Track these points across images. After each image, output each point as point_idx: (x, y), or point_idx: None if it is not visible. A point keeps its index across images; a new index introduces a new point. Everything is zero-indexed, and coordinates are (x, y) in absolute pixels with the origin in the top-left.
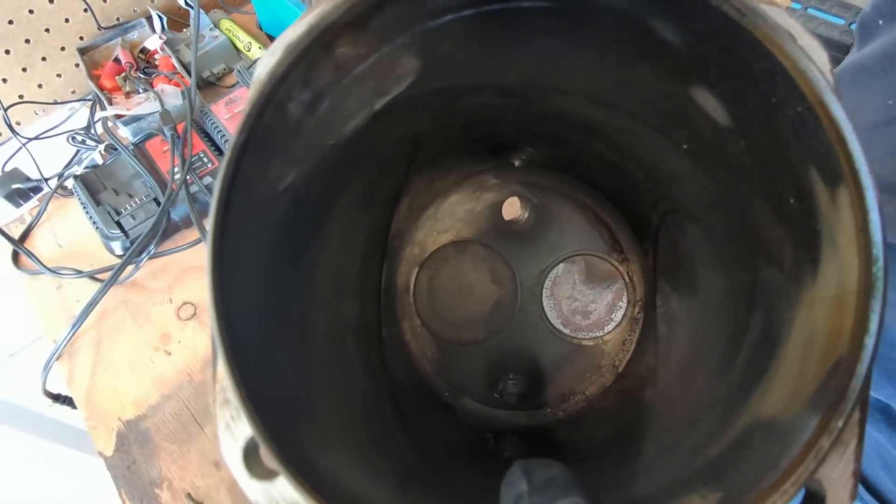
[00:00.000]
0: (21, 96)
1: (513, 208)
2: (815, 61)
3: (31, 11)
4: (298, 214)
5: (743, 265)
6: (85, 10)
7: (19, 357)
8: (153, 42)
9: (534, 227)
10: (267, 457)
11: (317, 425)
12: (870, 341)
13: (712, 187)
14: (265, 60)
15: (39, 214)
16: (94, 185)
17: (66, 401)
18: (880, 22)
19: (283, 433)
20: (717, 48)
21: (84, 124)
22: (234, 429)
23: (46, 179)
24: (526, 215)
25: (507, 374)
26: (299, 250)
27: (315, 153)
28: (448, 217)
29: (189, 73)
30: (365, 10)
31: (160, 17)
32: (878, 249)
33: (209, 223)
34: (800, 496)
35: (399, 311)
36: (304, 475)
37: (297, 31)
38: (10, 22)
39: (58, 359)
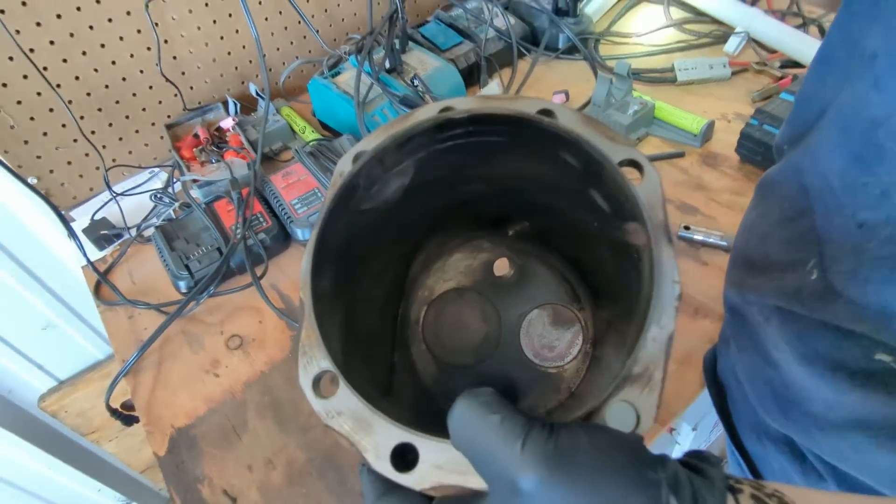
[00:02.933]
0: (114, 160)
1: (501, 266)
2: (645, 197)
3: (134, 95)
4: (352, 251)
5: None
6: (175, 95)
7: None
8: (227, 122)
9: (517, 281)
10: (327, 385)
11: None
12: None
13: (613, 256)
14: (345, 160)
15: (120, 256)
16: (170, 235)
17: (119, 415)
18: (785, 147)
19: (341, 369)
20: (596, 173)
21: (161, 185)
22: (308, 369)
23: (128, 228)
24: (511, 272)
25: None
26: (351, 277)
27: (365, 217)
28: (452, 270)
29: (255, 149)
30: (402, 140)
31: (234, 104)
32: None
33: (306, 255)
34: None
35: (409, 339)
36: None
37: (368, 144)
38: (117, 102)
39: (125, 376)
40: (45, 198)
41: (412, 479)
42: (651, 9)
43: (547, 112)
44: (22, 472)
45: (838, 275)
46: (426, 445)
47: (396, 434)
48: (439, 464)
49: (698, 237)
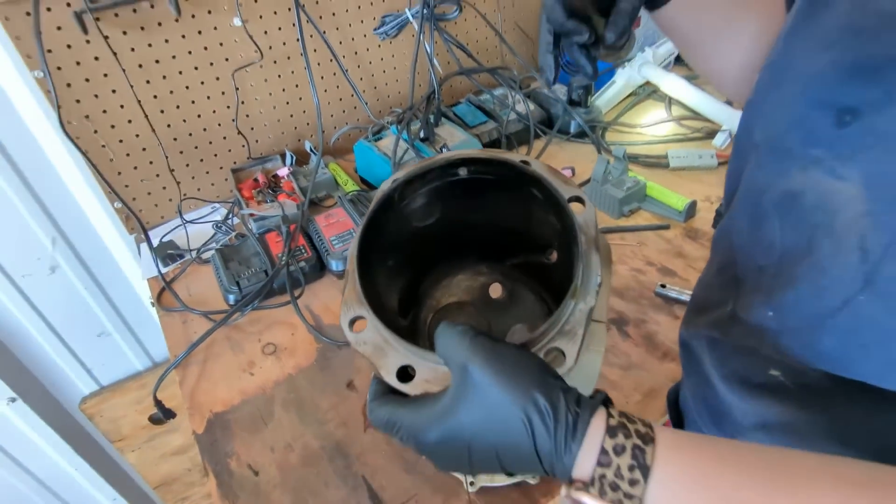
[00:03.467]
0: (185, 194)
1: (495, 290)
2: (582, 220)
3: (210, 143)
4: (384, 258)
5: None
6: (243, 146)
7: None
8: (282, 171)
9: (505, 302)
10: (360, 324)
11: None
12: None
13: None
14: (386, 183)
15: (181, 272)
16: (226, 256)
17: (161, 406)
18: (723, 213)
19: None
20: (554, 203)
21: (221, 218)
22: (346, 314)
23: (190, 250)
24: (502, 294)
25: None
26: (382, 262)
27: (396, 235)
28: (455, 287)
29: (304, 195)
30: (424, 170)
31: (291, 156)
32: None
33: (357, 236)
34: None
35: (418, 334)
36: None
37: (401, 173)
38: (196, 147)
39: (175, 368)
40: (136, 215)
41: (408, 388)
42: (655, 105)
43: (525, 162)
44: (49, 467)
45: (742, 306)
46: (421, 366)
47: (402, 358)
48: (428, 379)
49: (672, 294)
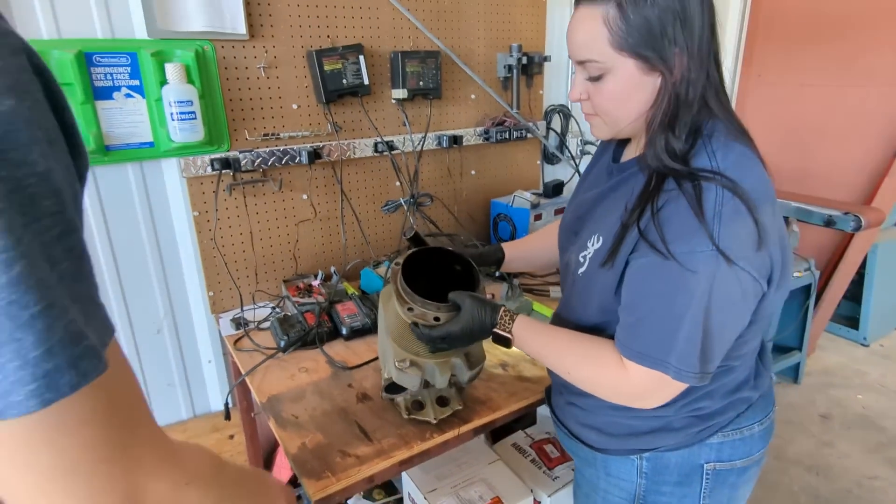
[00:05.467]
0: (251, 293)
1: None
2: (479, 275)
3: (273, 263)
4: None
5: None
6: (292, 267)
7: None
8: (315, 283)
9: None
10: (413, 312)
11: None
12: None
13: None
14: (399, 258)
15: (247, 332)
16: (280, 321)
17: (226, 406)
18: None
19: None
20: (466, 264)
21: (274, 304)
22: (402, 307)
23: (255, 321)
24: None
25: None
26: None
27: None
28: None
29: (328, 297)
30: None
31: (322, 275)
32: None
33: (401, 268)
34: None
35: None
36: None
37: (398, 259)
38: (264, 265)
39: (240, 382)
40: (222, 300)
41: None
42: None
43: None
44: None
45: None
46: (444, 311)
47: (433, 308)
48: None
49: None
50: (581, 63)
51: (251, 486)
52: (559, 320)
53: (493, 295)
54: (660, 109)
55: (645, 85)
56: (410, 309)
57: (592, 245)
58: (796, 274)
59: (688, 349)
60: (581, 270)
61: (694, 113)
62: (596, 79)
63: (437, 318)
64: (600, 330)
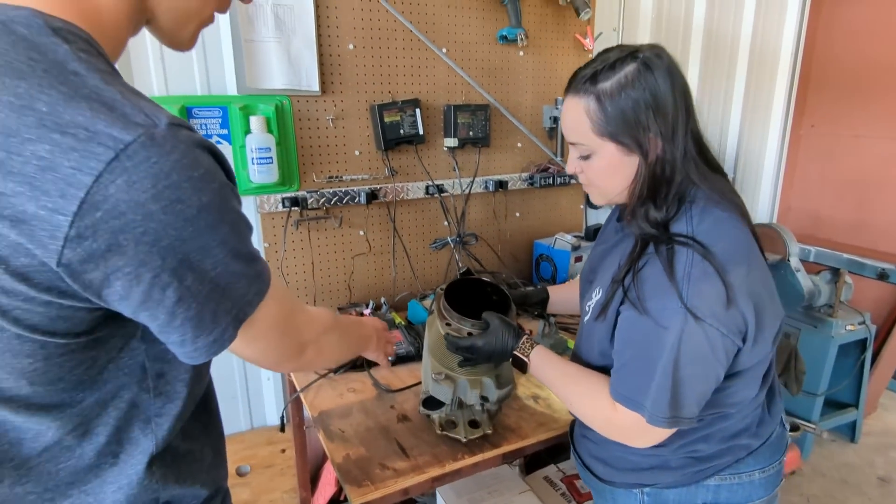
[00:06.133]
0: None
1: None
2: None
3: (331, 291)
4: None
5: None
6: (346, 297)
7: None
8: (367, 311)
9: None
10: (450, 327)
11: None
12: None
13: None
14: (440, 288)
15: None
16: None
17: (282, 420)
18: None
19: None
20: (503, 295)
21: None
22: (441, 322)
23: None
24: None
25: None
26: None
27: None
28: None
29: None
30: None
31: (373, 304)
32: None
33: (444, 293)
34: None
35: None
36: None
37: (442, 286)
38: (329, 292)
39: (295, 399)
40: None
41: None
42: None
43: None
44: None
45: None
46: (476, 328)
47: (468, 324)
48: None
49: None
50: (572, 143)
51: (355, 323)
52: (574, 358)
53: (531, 331)
54: (639, 185)
55: (626, 164)
56: (448, 324)
57: (595, 296)
58: (849, 328)
59: (659, 396)
60: (586, 318)
61: (677, 184)
62: (585, 157)
63: (469, 333)
64: (602, 372)
